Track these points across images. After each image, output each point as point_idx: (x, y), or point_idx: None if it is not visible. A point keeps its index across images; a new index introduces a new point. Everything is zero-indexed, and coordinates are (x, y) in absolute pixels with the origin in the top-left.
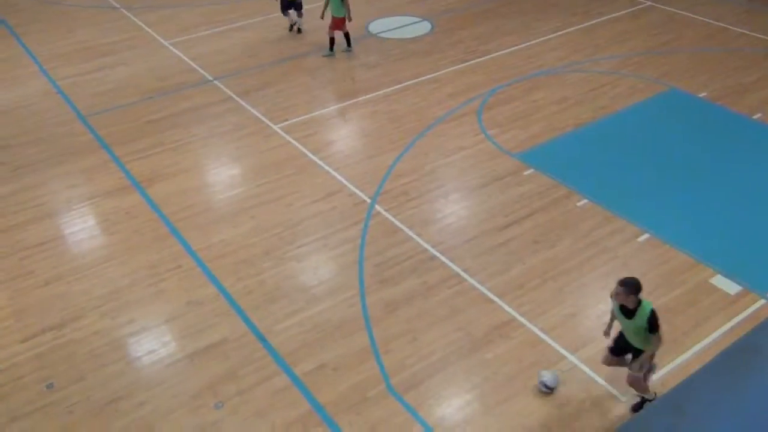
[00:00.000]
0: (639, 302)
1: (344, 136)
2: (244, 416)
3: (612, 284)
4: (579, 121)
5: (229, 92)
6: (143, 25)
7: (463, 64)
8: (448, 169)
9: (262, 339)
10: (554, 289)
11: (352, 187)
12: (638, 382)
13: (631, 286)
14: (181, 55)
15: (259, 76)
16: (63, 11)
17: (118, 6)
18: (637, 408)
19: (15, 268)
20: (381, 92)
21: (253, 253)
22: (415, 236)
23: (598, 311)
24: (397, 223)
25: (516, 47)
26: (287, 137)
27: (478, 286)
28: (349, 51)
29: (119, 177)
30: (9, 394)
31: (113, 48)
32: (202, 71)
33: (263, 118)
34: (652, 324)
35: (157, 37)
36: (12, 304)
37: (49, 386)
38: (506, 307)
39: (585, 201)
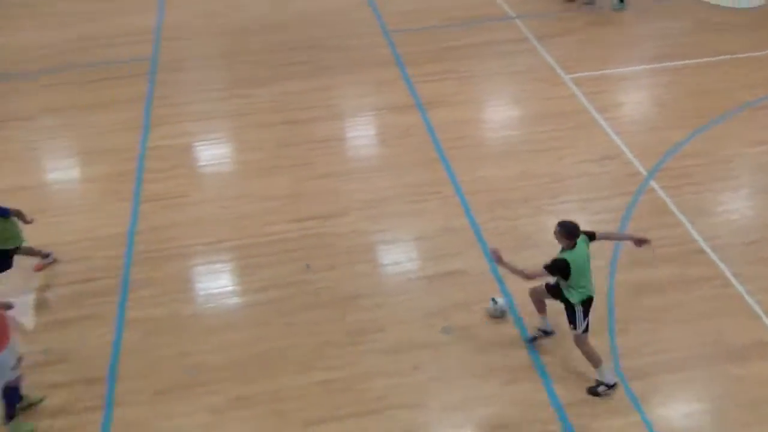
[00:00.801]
0: (569, 248)
1: (635, 100)
2: (466, 348)
3: None
4: None
5: (526, 33)
6: None
7: None
8: (745, 160)
9: (500, 282)
10: None
11: (630, 156)
12: (577, 339)
13: (563, 227)
14: None
15: (561, 21)
16: None
17: None
18: (591, 391)
19: (299, 157)
20: (687, 62)
21: (513, 197)
22: (686, 223)
23: None
24: (671, 204)
25: None
26: (575, 89)
27: (746, 295)
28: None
29: (406, 95)
30: (276, 263)
31: None
32: (505, 7)
33: (555, 66)
34: (551, 263)
35: None
36: (290, 187)
37: (307, 266)
38: None
39: None
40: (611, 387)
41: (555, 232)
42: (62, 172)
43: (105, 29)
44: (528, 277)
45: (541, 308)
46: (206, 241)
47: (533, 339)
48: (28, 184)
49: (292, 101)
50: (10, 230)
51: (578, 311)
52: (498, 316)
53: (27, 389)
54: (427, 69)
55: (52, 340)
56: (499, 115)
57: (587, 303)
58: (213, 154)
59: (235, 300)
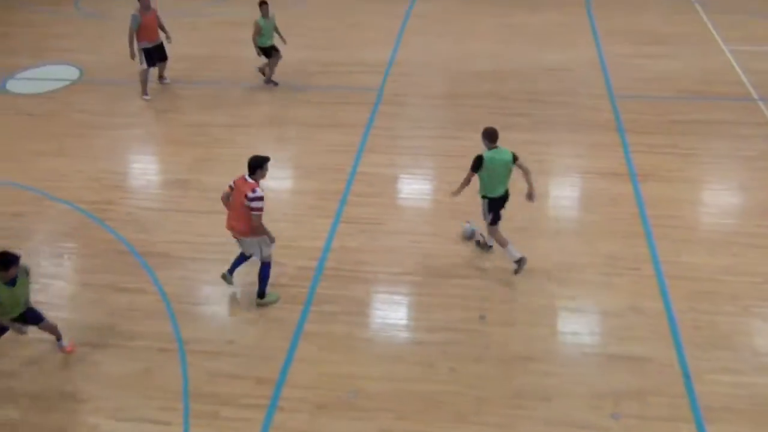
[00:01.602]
0: (489, 149)
1: None
2: None
3: None
4: None
5: None
6: (709, 25)
7: None
8: None
9: (687, 377)
10: None
11: None
12: (489, 229)
13: (485, 130)
14: (735, 64)
15: None
16: None
17: (693, 0)
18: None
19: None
20: None
21: (719, 290)
22: None
23: None
24: None
25: None
26: None
27: None
28: None
29: (621, 163)
30: (452, 307)
31: (670, 39)
32: (749, 87)
33: None
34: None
35: (718, 40)
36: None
37: (482, 317)
38: None
39: None
40: (518, 261)
41: (482, 137)
42: (280, 181)
43: (348, 57)
44: (465, 182)
45: (503, 242)
46: (391, 271)
47: (477, 241)
48: None
49: None
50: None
51: (484, 204)
52: (469, 237)
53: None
54: (649, 140)
55: (237, 333)
56: (719, 199)
57: (497, 201)
58: (415, 188)
59: (406, 334)
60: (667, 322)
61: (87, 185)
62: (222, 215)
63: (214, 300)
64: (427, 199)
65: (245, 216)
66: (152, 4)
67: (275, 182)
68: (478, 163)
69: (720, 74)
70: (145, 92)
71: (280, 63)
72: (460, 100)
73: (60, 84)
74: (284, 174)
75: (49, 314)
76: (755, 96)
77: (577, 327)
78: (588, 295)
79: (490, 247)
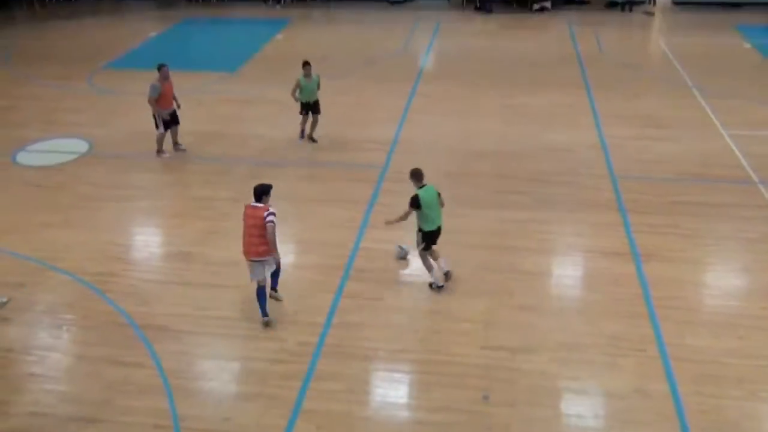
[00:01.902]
0: (419, 188)
1: None
2: None
3: None
4: None
5: None
6: (707, 109)
7: None
8: None
9: None
10: None
11: None
12: (420, 254)
13: (412, 172)
14: (734, 148)
15: None
16: (635, 77)
17: (691, 85)
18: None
19: (500, 284)
20: None
21: (725, 373)
22: None
23: None
24: None
25: None
26: None
27: None
28: None
29: (623, 243)
30: (454, 386)
31: (669, 122)
32: (749, 170)
33: None
34: (410, 199)
35: (717, 124)
36: (486, 312)
37: (485, 398)
38: None
39: None
40: (439, 287)
41: (410, 177)
42: (282, 255)
43: (354, 134)
44: (403, 217)
45: (429, 267)
46: (392, 348)
47: (429, 284)
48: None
49: (505, 229)
50: None
51: (419, 237)
52: (402, 257)
53: None
54: (651, 220)
55: (234, 410)
56: (723, 281)
57: (433, 233)
58: (417, 265)
59: (406, 414)
60: (673, 405)
61: (90, 257)
62: (224, 288)
63: (212, 375)
64: (428, 276)
65: (263, 236)
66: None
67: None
68: (416, 202)
69: (719, 157)
70: (161, 150)
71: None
72: (462, 179)
73: (69, 157)
74: (286, 248)
75: (44, 387)
76: (755, 179)
77: (581, 409)
78: (592, 376)
79: (441, 287)
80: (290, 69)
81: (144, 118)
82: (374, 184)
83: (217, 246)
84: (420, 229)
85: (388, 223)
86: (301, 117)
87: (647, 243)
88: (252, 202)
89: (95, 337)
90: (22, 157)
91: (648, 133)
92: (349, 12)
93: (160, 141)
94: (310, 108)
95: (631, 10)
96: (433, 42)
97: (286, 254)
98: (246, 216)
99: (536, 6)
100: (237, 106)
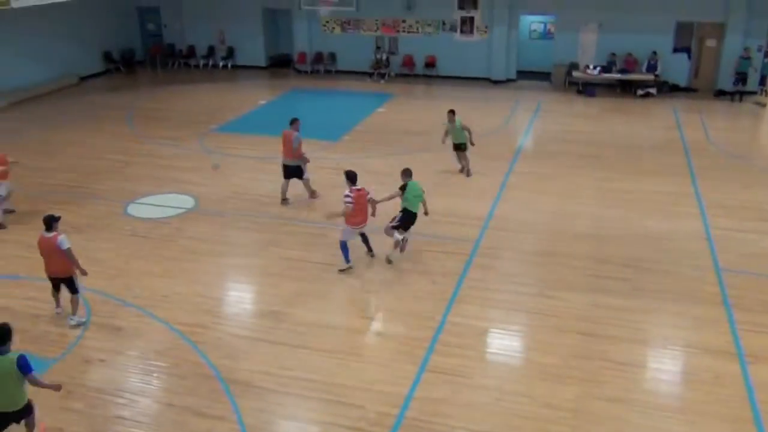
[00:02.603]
0: (406, 181)
1: None
2: None
3: None
4: None
5: None
6: None
7: None
8: None
9: None
10: None
11: None
12: (386, 229)
13: (404, 171)
14: None
15: None
16: (743, 167)
17: None
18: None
19: (591, 373)
20: None
21: None
22: None
23: None
24: None
25: None
26: None
27: None
28: None
29: (726, 340)
30: None
31: None
32: None
33: None
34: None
35: None
36: (574, 401)
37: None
38: None
39: None
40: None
41: (401, 174)
42: (367, 321)
43: (451, 207)
44: (388, 198)
45: (395, 241)
46: (474, 428)
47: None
48: (336, 323)
49: (599, 315)
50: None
51: (399, 215)
52: (395, 244)
53: None
54: (759, 319)
55: None
56: None
57: (410, 215)
58: (505, 344)
59: None
60: None
61: (184, 307)
62: (309, 350)
63: None
64: (516, 356)
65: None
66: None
67: (362, 323)
68: (404, 189)
69: None
70: (313, 194)
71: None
72: (556, 259)
73: (175, 211)
74: (374, 316)
75: (129, 431)
76: None
77: None
78: None
79: (390, 262)
80: (389, 141)
81: (245, 179)
82: (466, 258)
83: (307, 308)
84: (404, 210)
85: (374, 202)
86: (454, 153)
87: (754, 343)
88: None
89: (183, 387)
90: (133, 209)
91: (757, 226)
92: (452, 89)
93: (307, 186)
94: (461, 148)
95: (741, 100)
96: (533, 121)
97: (372, 322)
98: (360, 195)
99: (641, 92)
100: (336, 173)
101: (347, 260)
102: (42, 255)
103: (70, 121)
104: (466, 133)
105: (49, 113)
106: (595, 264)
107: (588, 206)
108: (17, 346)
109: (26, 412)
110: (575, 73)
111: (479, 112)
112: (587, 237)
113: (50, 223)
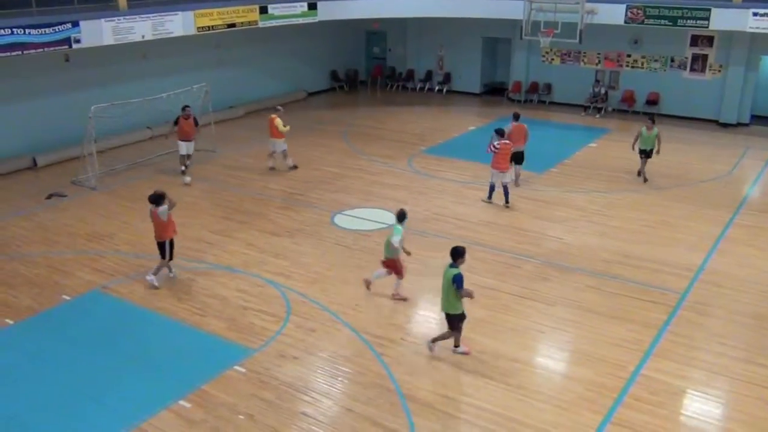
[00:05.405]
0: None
1: None
2: None
3: None
4: None
5: None
6: None
7: None
8: None
9: None
10: None
11: None
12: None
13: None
14: None
15: None
16: None
17: None
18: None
19: None
20: None
21: None
22: None
23: None
24: None
25: None
26: None
27: None
28: None
29: None
30: None
31: None
32: None
33: None
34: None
35: None
36: None
37: None
38: None
39: None
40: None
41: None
42: (552, 360)
43: (654, 254)
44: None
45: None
46: None
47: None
48: (521, 357)
49: None
50: None
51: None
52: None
53: None
54: None
55: None
56: None
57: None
58: (704, 409)
59: None
60: None
61: (374, 319)
62: (489, 380)
63: None
64: (714, 424)
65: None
66: None
67: (546, 360)
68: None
69: None
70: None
71: (584, 248)
72: None
73: (378, 226)
74: (561, 356)
75: (311, 428)
76: None
77: None
78: None
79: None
80: (596, 177)
81: (445, 201)
82: (670, 309)
83: (493, 337)
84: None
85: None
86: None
87: None
88: None
89: (364, 395)
90: (339, 219)
91: None
92: (674, 128)
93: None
94: (647, 154)
95: None
96: (764, 171)
97: (559, 362)
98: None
99: None
100: (536, 205)
101: (489, 197)
102: (153, 223)
103: (293, 132)
104: (656, 142)
105: None
106: None
107: None
108: (224, 333)
109: (457, 319)
110: None
111: (703, 155)
112: None
113: (158, 200)
